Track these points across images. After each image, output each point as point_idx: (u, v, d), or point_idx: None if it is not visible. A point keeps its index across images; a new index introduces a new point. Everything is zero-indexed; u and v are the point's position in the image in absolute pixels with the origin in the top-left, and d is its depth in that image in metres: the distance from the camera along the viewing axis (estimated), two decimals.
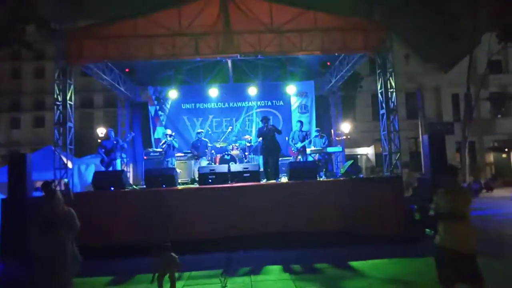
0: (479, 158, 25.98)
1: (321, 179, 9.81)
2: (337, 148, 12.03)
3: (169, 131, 11.46)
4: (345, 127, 16.13)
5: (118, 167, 10.17)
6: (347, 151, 20.22)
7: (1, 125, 27.50)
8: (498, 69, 25.88)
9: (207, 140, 11.80)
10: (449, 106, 26.23)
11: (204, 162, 11.04)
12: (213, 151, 11.68)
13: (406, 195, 9.55)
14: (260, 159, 10.75)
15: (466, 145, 21.75)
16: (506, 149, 26.36)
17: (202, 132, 11.85)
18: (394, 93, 9.44)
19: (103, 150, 10.25)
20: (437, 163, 8.48)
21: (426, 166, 8.92)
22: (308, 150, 11.04)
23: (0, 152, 25.96)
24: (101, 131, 21.40)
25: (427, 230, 8.49)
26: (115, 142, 10.38)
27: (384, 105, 9.55)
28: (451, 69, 26.26)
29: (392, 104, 9.46)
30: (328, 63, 11.24)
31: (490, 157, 26.29)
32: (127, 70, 11.12)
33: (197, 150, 11.25)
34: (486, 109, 26.11)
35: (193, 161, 11.33)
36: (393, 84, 9.45)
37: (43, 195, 6.68)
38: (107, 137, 10.57)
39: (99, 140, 12.82)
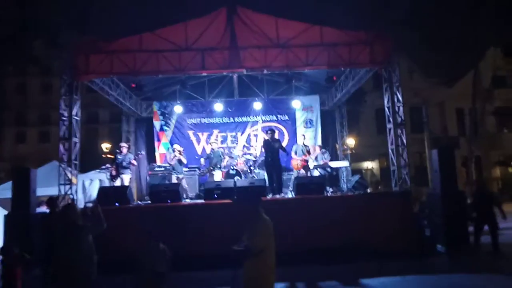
0: (485, 173, 25.70)
1: (328, 194, 9.67)
2: (344, 163, 11.90)
3: (178, 147, 11.36)
4: (350, 141, 16.02)
5: (126, 183, 10.07)
6: (352, 165, 20.05)
7: (7, 140, 27.56)
8: (502, 83, 25.81)
9: (220, 151, 11.56)
10: (453, 120, 26.08)
11: (218, 173, 10.88)
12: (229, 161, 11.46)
13: (415, 211, 9.38)
14: (266, 174, 10.62)
15: (472, 160, 21.54)
16: None
17: (215, 142, 11.60)
18: (401, 107, 9.37)
19: (114, 164, 10.18)
20: (447, 178, 8.33)
21: (435, 181, 8.76)
22: (311, 165, 10.92)
23: (5, 167, 25.93)
24: (105, 146, 21.37)
25: (438, 245, 8.30)
26: (120, 157, 10.32)
27: (391, 119, 9.47)
28: (456, 83, 26.22)
29: (400, 118, 9.38)
30: (334, 78, 11.21)
31: (497, 172, 26.00)
32: (133, 85, 11.14)
33: (211, 161, 11.05)
34: (491, 124, 25.94)
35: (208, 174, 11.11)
36: (400, 98, 9.39)
37: (56, 210, 6.64)
38: (119, 151, 10.47)
39: (105, 156, 12.73)
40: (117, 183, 10.15)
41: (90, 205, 4.09)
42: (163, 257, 4.78)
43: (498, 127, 26.26)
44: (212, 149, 11.29)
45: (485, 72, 23.38)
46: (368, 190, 10.32)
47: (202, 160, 11.33)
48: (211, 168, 10.92)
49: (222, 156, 11.23)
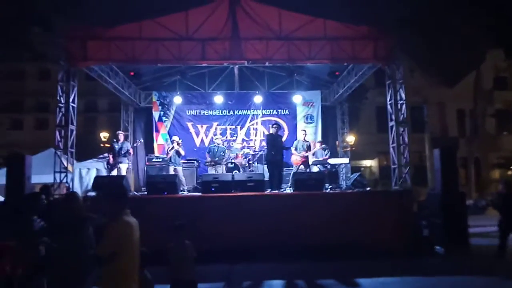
0: (484, 174, 25.63)
1: (326, 190, 9.54)
2: (344, 160, 11.79)
3: (176, 138, 11.16)
4: (350, 138, 15.91)
5: (123, 172, 9.93)
6: (351, 163, 19.95)
7: (3, 126, 27.27)
8: (504, 85, 25.68)
9: (224, 146, 11.39)
10: (454, 121, 25.93)
11: (220, 168, 10.71)
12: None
13: (414, 210, 9.27)
14: (265, 168, 10.48)
15: (471, 161, 21.49)
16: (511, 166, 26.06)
17: (219, 138, 11.49)
18: (404, 105, 9.24)
19: (112, 152, 10.02)
20: (448, 178, 8.22)
21: (436, 181, 8.64)
22: (310, 161, 10.79)
23: (1, 153, 25.71)
24: (103, 135, 21.24)
25: (437, 246, 8.20)
26: (117, 146, 10.16)
27: (393, 117, 9.33)
28: (456, 84, 26.00)
29: (402, 116, 9.25)
30: (337, 73, 11.06)
31: (496, 174, 25.93)
32: (131, 73, 10.96)
33: (214, 156, 10.88)
34: (491, 125, 25.84)
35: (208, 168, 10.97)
36: (403, 95, 9.26)
37: (50, 198, 6.47)
38: (116, 139, 10.30)
39: (103, 145, 12.55)
40: (114, 172, 10.00)
41: (92, 194, 3.85)
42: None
43: (498, 129, 26.17)
44: (217, 144, 11.13)
45: (486, 73, 23.20)
46: (368, 188, 10.23)
47: (207, 154, 11.21)
48: (213, 162, 10.76)
49: (225, 152, 11.07)
